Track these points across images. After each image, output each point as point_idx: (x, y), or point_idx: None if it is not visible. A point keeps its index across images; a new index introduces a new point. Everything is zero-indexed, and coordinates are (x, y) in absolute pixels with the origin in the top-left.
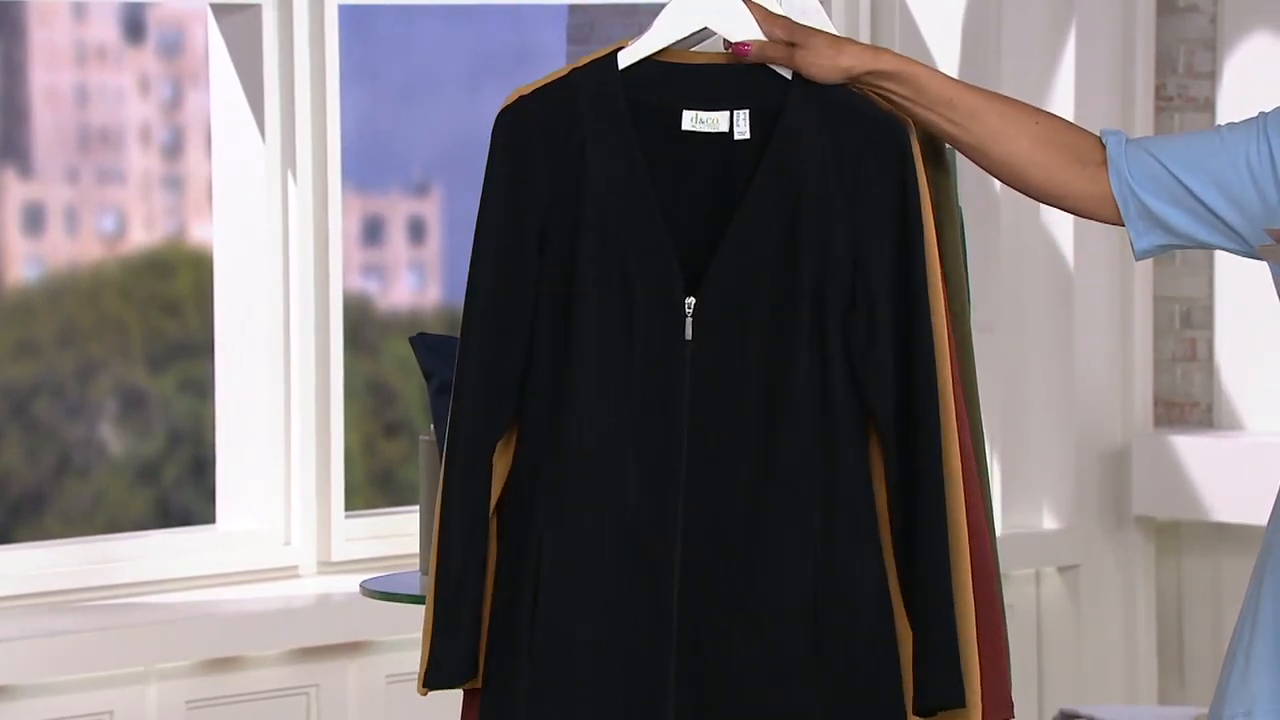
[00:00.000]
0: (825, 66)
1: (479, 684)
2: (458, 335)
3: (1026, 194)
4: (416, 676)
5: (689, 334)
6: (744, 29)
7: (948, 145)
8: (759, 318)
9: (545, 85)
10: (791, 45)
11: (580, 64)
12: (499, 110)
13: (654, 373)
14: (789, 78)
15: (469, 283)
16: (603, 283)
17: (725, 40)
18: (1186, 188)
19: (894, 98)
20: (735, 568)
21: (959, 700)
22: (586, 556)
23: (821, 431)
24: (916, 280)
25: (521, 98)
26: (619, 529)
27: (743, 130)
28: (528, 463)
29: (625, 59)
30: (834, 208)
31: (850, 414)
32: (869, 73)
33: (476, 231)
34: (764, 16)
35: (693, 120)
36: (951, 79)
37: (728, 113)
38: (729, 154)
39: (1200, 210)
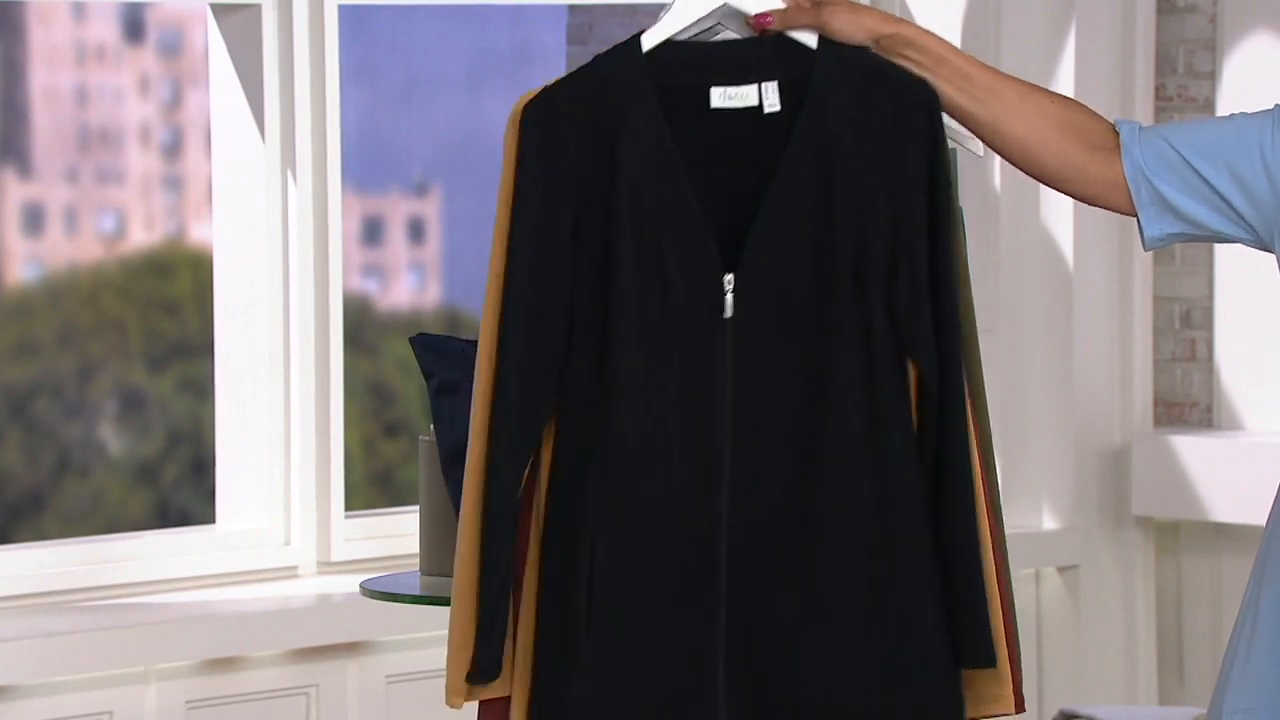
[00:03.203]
0: (852, 22)
1: (505, 690)
2: (457, 335)
3: (1037, 177)
4: (447, 688)
5: (729, 311)
6: (762, 0)
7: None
8: (800, 289)
9: (571, 75)
10: (816, 7)
11: (603, 52)
12: (525, 103)
13: (695, 351)
14: (814, 46)
15: (507, 273)
16: (639, 266)
17: (746, 16)
18: (1200, 174)
19: (914, 67)
20: (787, 542)
21: (991, 661)
22: (637, 537)
23: (869, 399)
24: (948, 240)
25: (547, 88)
26: (666, 509)
27: (772, 102)
28: (573, 449)
29: (648, 41)
30: (869, 172)
31: (896, 380)
32: (891, 36)
33: (511, 224)
34: None
35: (722, 97)
36: (968, 55)
37: (755, 86)
38: (760, 128)
39: (1213, 198)
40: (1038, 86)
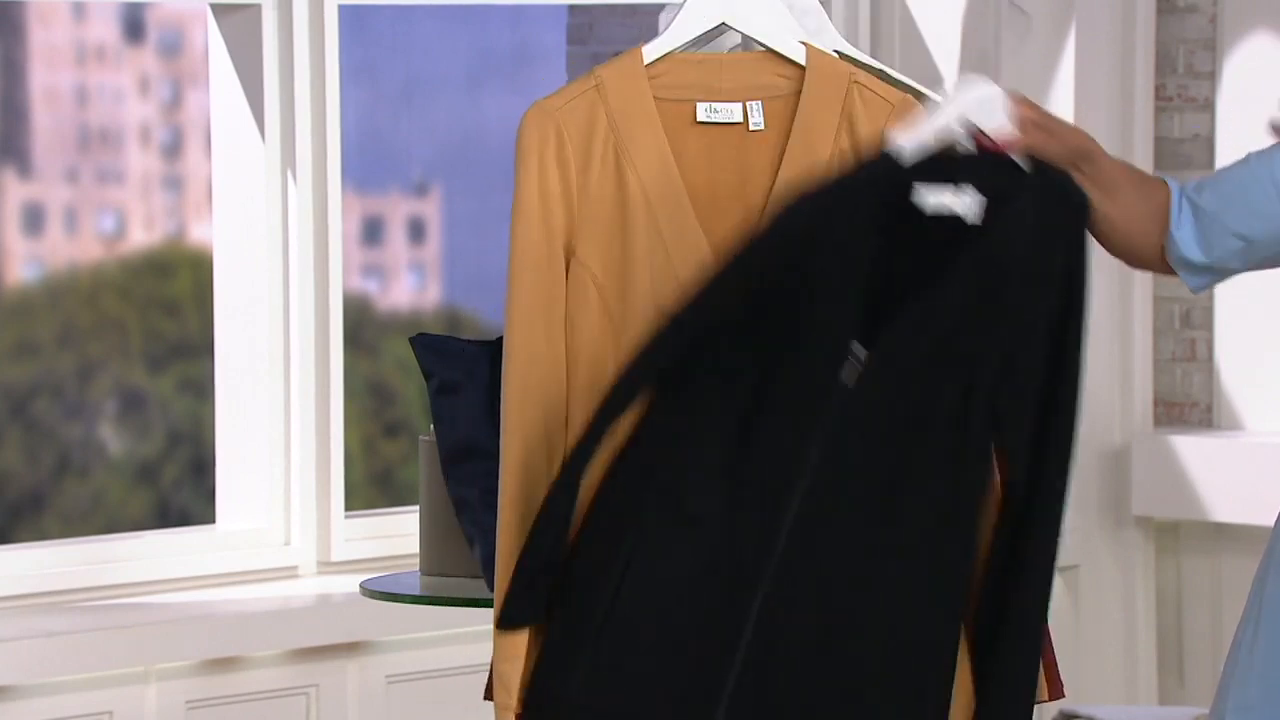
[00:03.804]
0: (1066, 149)
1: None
2: (457, 335)
3: (1126, 261)
4: (498, 704)
5: None
6: (996, 121)
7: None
8: (909, 377)
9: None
10: (1042, 130)
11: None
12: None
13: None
14: (1026, 169)
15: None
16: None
17: (974, 133)
18: (1232, 231)
19: (1079, 177)
20: (828, 603)
21: None
22: (677, 559)
23: (949, 491)
24: (1072, 345)
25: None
26: (713, 550)
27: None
28: (642, 456)
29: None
30: (1026, 285)
31: (979, 476)
32: (1084, 154)
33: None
34: (1018, 101)
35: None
36: (1123, 163)
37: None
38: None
39: (1246, 250)
40: (1146, 177)
